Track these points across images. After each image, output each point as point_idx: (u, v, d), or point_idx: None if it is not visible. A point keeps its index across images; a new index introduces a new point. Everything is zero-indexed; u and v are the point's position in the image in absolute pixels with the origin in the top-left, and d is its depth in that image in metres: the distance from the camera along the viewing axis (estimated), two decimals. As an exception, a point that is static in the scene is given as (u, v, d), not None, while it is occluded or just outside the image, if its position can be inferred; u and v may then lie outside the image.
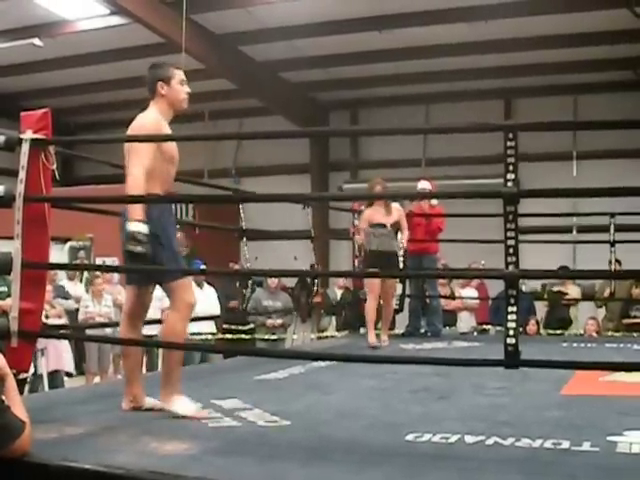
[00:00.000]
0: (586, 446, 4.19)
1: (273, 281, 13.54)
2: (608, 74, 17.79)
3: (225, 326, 13.46)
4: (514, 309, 4.35)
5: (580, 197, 14.31)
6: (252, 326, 13.66)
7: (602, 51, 16.28)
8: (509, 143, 4.40)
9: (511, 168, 4.39)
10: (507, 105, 19.46)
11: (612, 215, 11.31)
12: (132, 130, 5.21)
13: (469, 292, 14.06)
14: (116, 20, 15.34)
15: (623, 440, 4.30)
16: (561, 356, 7.61)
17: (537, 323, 13.10)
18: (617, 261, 11.62)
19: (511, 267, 4.39)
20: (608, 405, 5.15)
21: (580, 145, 18.11)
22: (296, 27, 15.96)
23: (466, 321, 13.88)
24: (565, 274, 12.62)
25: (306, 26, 15.91)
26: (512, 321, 4.33)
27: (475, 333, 13.69)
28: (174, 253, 5.17)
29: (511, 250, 4.37)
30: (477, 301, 14.03)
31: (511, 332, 4.32)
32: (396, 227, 10.15)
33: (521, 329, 12.30)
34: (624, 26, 15.05)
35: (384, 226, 9.90)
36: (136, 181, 4.92)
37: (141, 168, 4.96)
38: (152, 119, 5.27)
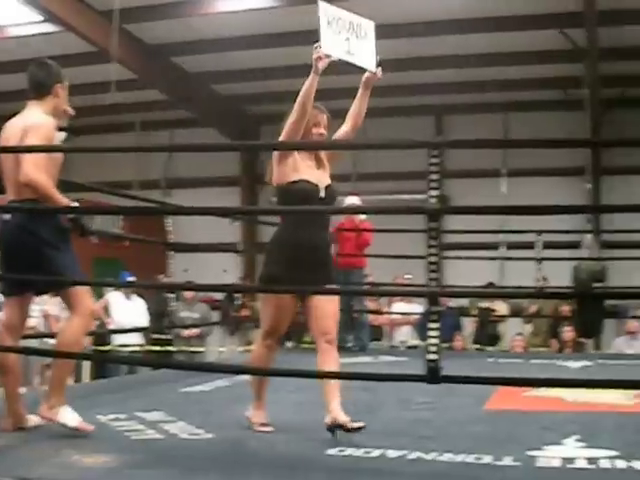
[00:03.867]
0: (507, 461, 4.22)
1: (189, 292, 13.49)
2: (539, 93, 17.99)
3: (155, 337, 13.40)
4: (436, 325, 4.36)
5: (502, 214, 14.41)
6: (170, 337, 13.60)
7: (533, 70, 16.47)
8: (433, 160, 4.42)
9: (434, 184, 4.42)
10: (438, 122, 19.56)
11: (539, 233, 11.42)
12: (33, 129, 4.88)
13: (400, 306, 14.06)
14: (48, 28, 15.14)
15: (543, 455, 4.35)
16: (486, 372, 7.62)
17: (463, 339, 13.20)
18: (544, 278, 11.74)
19: (433, 284, 4.40)
20: (530, 420, 5.19)
21: (510, 162, 18.27)
22: (229, 39, 15.90)
23: (406, 335, 13.85)
24: (486, 292, 12.78)
25: (239, 38, 15.87)
26: (433, 337, 4.34)
27: (404, 347, 13.70)
28: (72, 258, 4.95)
29: (433, 266, 4.38)
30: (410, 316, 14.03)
31: (432, 348, 4.33)
32: None
33: (447, 345, 12.46)
34: (555, 47, 15.25)
35: None
36: (48, 187, 4.76)
37: (43, 174, 4.76)
38: (51, 121, 5.01)
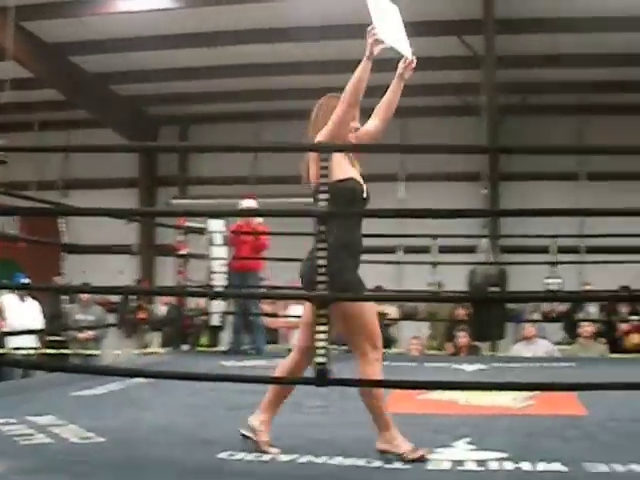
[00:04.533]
0: (397, 464, 4.23)
1: (84, 295, 13.29)
2: (437, 99, 18.18)
3: (50, 339, 13.21)
4: (324, 329, 4.35)
5: (398, 218, 14.49)
6: (65, 340, 13.43)
7: (431, 76, 16.62)
8: (323, 164, 4.39)
9: (324, 188, 4.39)
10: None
11: (435, 237, 11.52)
12: None
13: (297, 309, 14.02)
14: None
15: (434, 458, 4.36)
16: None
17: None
18: (439, 283, 11.87)
19: (321, 287, 4.38)
20: (422, 423, 5.21)
21: (408, 167, 18.43)
22: (129, 40, 15.80)
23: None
24: (381, 296, 12.86)
25: (139, 39, 15.77)
26: (322, 340, 4.33)
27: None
28: None
29: (322, 270, 4.36)
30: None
31: (321, 351, 4.32)
32: None
33: (346, 348, 12.48)
34: (453, 53, 15.43)
35: None
36: None
37: None
38: None
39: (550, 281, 12.30)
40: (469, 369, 8.99)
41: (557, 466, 4.19)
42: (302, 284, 4.65)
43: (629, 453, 4.51)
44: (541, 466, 4.19)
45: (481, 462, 4.28)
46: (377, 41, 4.68)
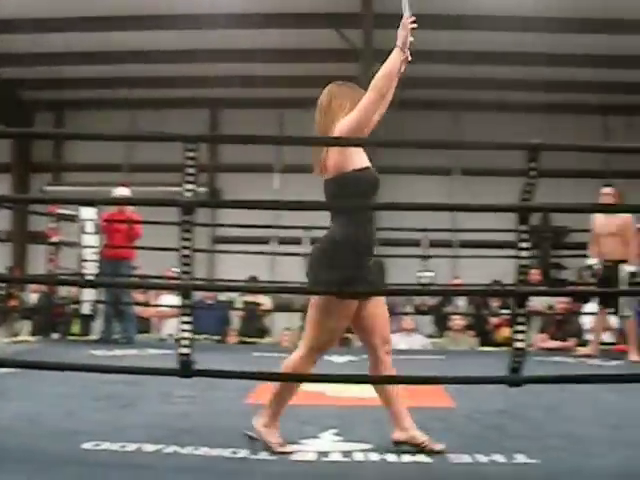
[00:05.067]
0: (263, 455, 4.22)
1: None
2: (315, 91, 18.20)
3: None
4: (188, 319, 4.32)
5: (268, 209, 14.46)
6: None
7: (310, 68, 16.64)
8: (188, 154, 4.34)
9: (190, 178, 4.35)
10: (213, 115, 19.54)
11: (306, 228, 11.59)
12: None
13: (168, 299, 13.90)
14: None
15: (300, 448, 4.36)
16: (249, 365, 7.57)
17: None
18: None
19: (186, 277, 4.35)
20: (290, 414, 5.18)
21: (284, 159, 18.41)
22: (2, 22, 15.39)
23: (173, 327, 13.65)
24: (247, 287, 12.92)
25: (13, 22, 15.37)
26: (185, 331, 4.30)
27: (172, 340, 13.55)
28: None
29: (186, 260, 4.32)
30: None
31: (185, 342, 4.29)
32: None
33: (218, 338, 12.41)
34: (331, 46, 15.47)
35: None
36: None
37: None
38: None
39: (422, 274, 12.45)
40: (339, 361, 9.01)
41: (421, 457, 4.24)
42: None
43: (492, 444, 4.60)
44: (406, 457, 4.24)
45: (347, 453, 4.31)
46: (408, 30, 4.58)
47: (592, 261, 9.97)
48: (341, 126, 4.47)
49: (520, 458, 4.26)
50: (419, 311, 13.84)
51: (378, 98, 4.44)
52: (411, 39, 4.54)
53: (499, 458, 4.24)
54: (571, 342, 11.42)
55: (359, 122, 4.43)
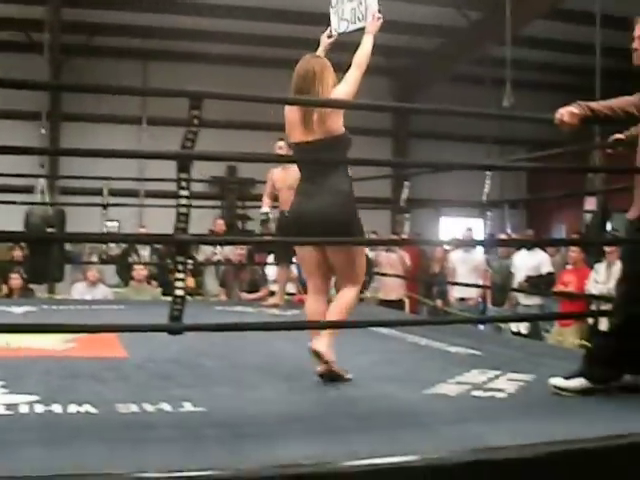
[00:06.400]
0: None
1: None
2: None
3: None
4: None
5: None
6: None
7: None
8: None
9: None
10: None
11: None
12: None
13: None
14: None
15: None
16: None
17: None
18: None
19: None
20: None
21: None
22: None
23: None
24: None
25: None
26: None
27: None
28: None
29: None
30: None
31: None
32: None
33: None
34: None
35: None
36: None
37: None
38: None
39: (108, 224, 12.39)
40: (17, 311, 8.83)
41: (88, 407, 4.22)
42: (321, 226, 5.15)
43: (160, 393, 4.64)
44: (72, 408, 4.21)
45: (11, 406, 4.22)
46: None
47: (265, 210, 10.21)
48: (338, 94, 5.32)
49: (187, 406, 4.32)
50: (103, 261, 13.72)
51: (361, 75, 5.41)
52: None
53: (165, 407, 4.29)
54: (263, 292, 11.75)
55: (352, 92, 5.37)
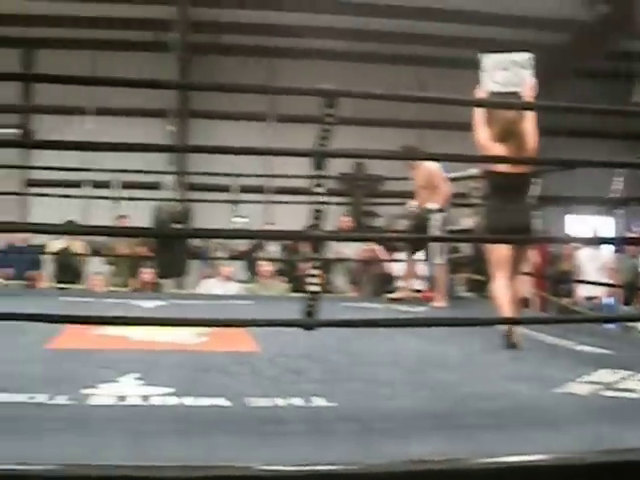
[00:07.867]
0: (61, 400, 4.16)
1: None
2: (128, 33, 17.91)
3: None
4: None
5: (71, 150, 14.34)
6: None
7: (121, 10, 16.40)
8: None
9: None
10: (26, 56, 18.95)
11: (118, 172, 11.56)
12: None
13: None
14: None
15: (96, 392, 4.33)
16: (56, 310, 7.44)
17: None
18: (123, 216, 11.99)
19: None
20: (90, 359, 5.15)
21: (98, 101, 18.01)
22: None
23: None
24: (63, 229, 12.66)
25: None
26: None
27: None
28: None
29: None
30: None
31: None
32: None
33: (27, 282, 12.16)
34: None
35: None
36: None
37: None
38: None
39: (236, 220, 12.49)
40: (147, 305, 8.94)
41: (221, 401, 4.25)
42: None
43: (291, 387, 4.65)
44: (204, 401, 4.25)
45: (145, 397, 4.28)
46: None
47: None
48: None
49: (318, 401, 4.32)
50: (231, 257, 13.85)
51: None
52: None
53: (297, 401, 4.30)
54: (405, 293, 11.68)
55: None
